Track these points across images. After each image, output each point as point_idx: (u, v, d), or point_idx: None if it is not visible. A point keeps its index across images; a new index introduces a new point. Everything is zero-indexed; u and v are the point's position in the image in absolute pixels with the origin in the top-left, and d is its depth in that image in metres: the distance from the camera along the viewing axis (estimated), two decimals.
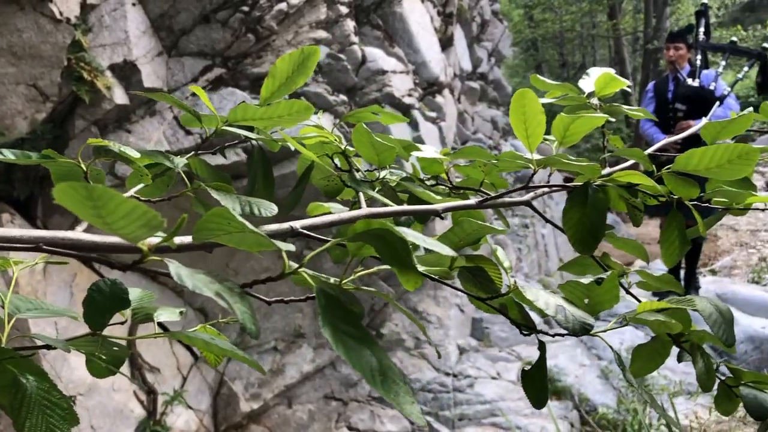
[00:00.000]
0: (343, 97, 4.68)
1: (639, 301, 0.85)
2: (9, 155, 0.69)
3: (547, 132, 0.93)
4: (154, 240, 0.47)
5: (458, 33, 7.69)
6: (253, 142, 0.92)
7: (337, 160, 1.02)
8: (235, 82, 4.32)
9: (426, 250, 0.62)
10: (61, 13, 3.56)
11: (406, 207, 0.76)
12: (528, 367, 0.67)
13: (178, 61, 4.23)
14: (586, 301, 0.70)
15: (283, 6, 4.38)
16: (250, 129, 0.85)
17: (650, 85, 5.65)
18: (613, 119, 1.07)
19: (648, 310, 0.70)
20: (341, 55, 4.75)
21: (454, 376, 5.01)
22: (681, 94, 5.17)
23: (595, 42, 23.60)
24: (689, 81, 5.15)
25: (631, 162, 0.96)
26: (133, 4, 3.98)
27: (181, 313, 1.00)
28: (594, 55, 24.04)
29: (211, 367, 0.96)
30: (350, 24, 4.97)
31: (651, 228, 8.68)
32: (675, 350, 0.97)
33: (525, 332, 0.67)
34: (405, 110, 5.26)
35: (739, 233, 9.17)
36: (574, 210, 0.79)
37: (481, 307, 0.69)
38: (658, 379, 4.75)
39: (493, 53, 9.86)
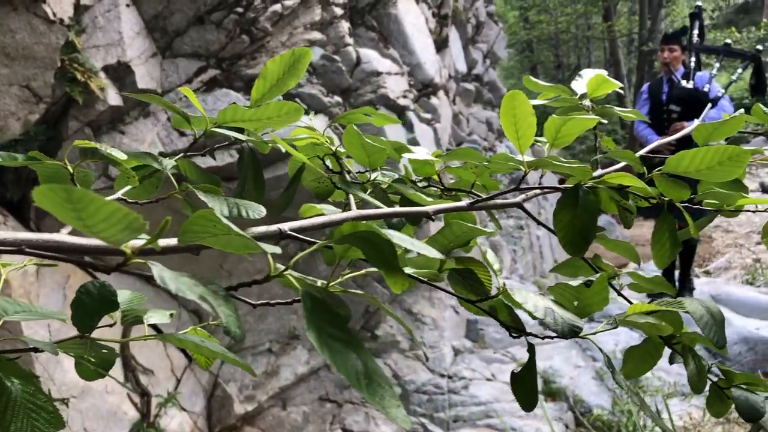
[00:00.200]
0: (337, 99, 4.68)
1: (630, 302, 0.85)
2: None
3: (541, 134, 0.93)
4: (138, 242, 0.46)
5: (453, 34, 7.70)
6: (244, 143, 0.91)
7: (329, 162, 1.01)
8: (229, 83, 4.32)
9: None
10: (54, 14, 3.54)
11: (396, 209, 0.75)
12: (518, 369, 0.67)
13: (172, 63, 4.22)
14: (575, 303, 0.70)
15: (277, 7, 4.37)
16: (241, 131, 0.84)
17: (644, 87, 5.66)
18: (604, 121, 1.06)
19: (638, 312, 0.70)
20: (336, 57, 4.75)
21: (449, 377, 5.00)
22: (675, 95, 5.19)
23: (591, 44, 23.67)
24: (683, 83, 5.16)
25: (622, 164, 0.96)
26: (127, 5, 3.97)
27: (171, 315, 1.00)
28: (589, 57, 24.11)
29: (203, 369, 0.96)
30: (345, 25, 4.97)
31: (645, 229, 8.70)
32: (668, 351, 0.97)
33: (514, 335, 0.67)
34: (400, 112, 5.26)
35: (733, 234, 9.20)
36: (565, 212, 0.79)
37: (470, 309, 0.69)
38: (652, 381, 4.76)
39: (488, 55, 9.87)
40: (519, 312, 0.74)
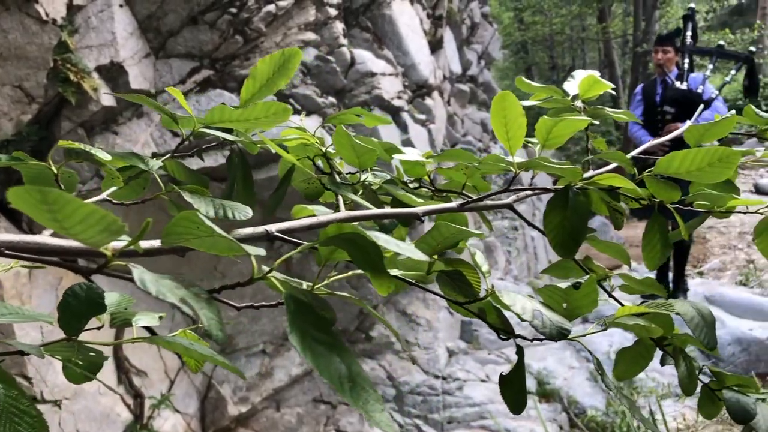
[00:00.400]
0: (332, 99, 4.67)
1: (621, 304, 0.84)
2: None
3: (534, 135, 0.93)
4: (119, 244, 0.46)
5: (448, 35, 7.70)
6: (227, 145, 0.91)
7: (320, 163, 1.01)
8: (223, 83, 4.30)
9: None
10: (47, 14, 3.53)
11: (384, 210, 0.75)
12: (506, 372, 0.66)
13: (165, 63, 4.21)
14: (564, 305, 0.69)
15: (271, 8, 4.37)
16: (230, 131, 0.84)
17: (638, 88, 5.68)
18: (596, 122, 1.06)
19: (627, 314, 0.70)
20: (330, 57, 4.74)
21: (443, 378, 5.00)
22: (669, 97, 5.20)
23: (585, 45, 23.72)
24: (677, 84, 5.18)
25: (613, 165, 0.96)
26: (120, 6, 3.95)
27: (160, 318, 0.99)
28: (584, 58, 24.16)
29: (192, 372, 0.95)
30: (339, 26, 4.96)
31: (640, 231, 8.68)
32: (661, 353, 0.96)
33: (503, 337, 0.66)
34: (394, 112, 5.25)
35: (727, 236, 9.22)
36: (555, 213, 0.78)
37: (459, 311, 0.69)
38: (646, 381, 4.77)
39: (482, 56, 9.88)
40: (509, 313, 0.74)
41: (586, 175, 0.86)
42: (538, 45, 22.60)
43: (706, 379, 0.97)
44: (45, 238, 0.49)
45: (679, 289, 5.94)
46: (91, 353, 0.90)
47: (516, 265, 7.77)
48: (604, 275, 0.93)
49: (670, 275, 6.01)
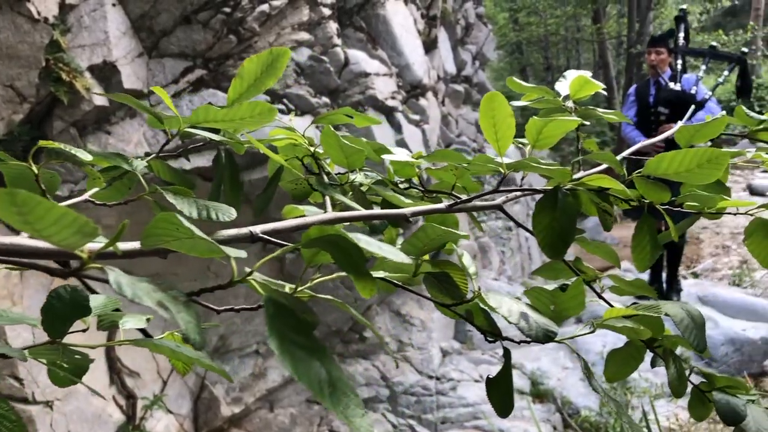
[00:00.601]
0: (325, 100, 4.66)
1: (611, 305, 0.84)
2: None
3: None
4: (96, 246, 0.45)
5: (442, 36, 7.70)
6: (219, 145, 0.90)
7: (309, 163, 1.00)
8: (216, 83, 4.29)
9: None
10: (38, 13, 3.51)
11: (372, 211, 0.74)
12: (492, 375, 0.65)
13: (158, 63, 4.19)
14: (552, 307, 0.69)
15: (265, 7, 4.35)
16: (217, 131, 0.83)
17: (632, 89, 5.69)
18: (587, 122, 1.06)
19: (615, 316, 0.69)
20: (324, 57, 4.73)
21: (437, 379, 5.00)
22: (663, 97, 5.22)
23: (580, 46, 23.79)
24: (671, 85, 5.19)
25: (604, 166, 0.95)
26: (113, 5, 3.94)
27: (148, 320, 0.98)
28: (578, 59, 24.23)
29: (180, 374, 0.94)
30: (333, 26, 4.95)
31: None
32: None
33: (489, 339, 0.66)
34: (388, 113, 5.25)
35: (720, 236, 9.25)
36: (544, 214, 0.78)
37: (446, 314, 0.68)
38: (639, 382, 4.78)
39: (477, 56, 9.89)
40: (500, 315, 0.74)
41: (575, 176, 0.86)
42: (533, 46, 22.64)
43: (698, 381, 0.97)
44: (22, 239, 0.48)
45: (673, 289, 5.96)
46: (77, 356, 0.89)
47: (510, 266, 7.77)
48: (594, 276, 0.93)
49: (664, 275, 6.03)
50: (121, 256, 0.48)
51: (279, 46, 4.31)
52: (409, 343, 5.21)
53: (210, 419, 4.52)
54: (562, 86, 1.12)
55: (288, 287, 0.58)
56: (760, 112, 1.13)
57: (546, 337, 0.60)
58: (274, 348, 0.42)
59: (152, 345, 0.84)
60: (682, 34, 5.32)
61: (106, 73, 3.89)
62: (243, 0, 4.23)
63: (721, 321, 5.51)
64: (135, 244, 0.51)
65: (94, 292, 0.82)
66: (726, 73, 5.35)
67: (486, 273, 6.84)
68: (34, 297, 3.58)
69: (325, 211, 0.79)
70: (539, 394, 4.85)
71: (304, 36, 4.69)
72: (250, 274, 0.52)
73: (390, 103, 5.20)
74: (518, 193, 0.89)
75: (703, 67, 5.38)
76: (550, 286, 0.72)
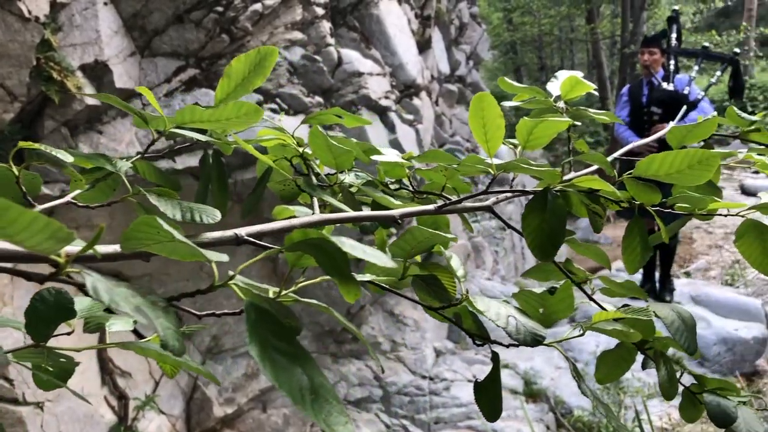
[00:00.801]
0: (318, 99, 4.65)
1: (602, 307, 0.83)
2: None
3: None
4: (74, 249, 0.44)
5: (436, 35, 7.69)
6: (210, 145, 0.89)
7: (298, 164, 0.99)
8: (209, 83, 4.27)
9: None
10: (29, 12, 3.48)
11: (360, 213, 0.73)
12: (481, 378, 0.65)
13: (151, 62, 4.17)
14: (541, 310, 0.68)
15: (257, 7, 4.34)
16: (204, 132, 0.82)
17: (625, 89, 5.70)
18: (578, 123, 1.05)
19: (605, 319, 0.69)
20: (317, 57, 4.72)
21: (431, 379, 4.99)
22: (656, 97, 5.23)
23: (574, 46, 23.83)
24: (664, 85, 5.20)
25: (595, 167, 0.95)
26: (105, 4, 3.91)
27: (135, 322, 0.97)
28: (572, 59, 24.28)
29: (168, 377, 0.93)
30: (326, 25, 4.94)
31: None
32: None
33: (478, 343, 0.65)
34: (382, 112, 5.24)
35: (713, 235, 9.28)
36: (533, 216, 0.77)
37: (435, 317, 0.67)
38: (632, 381, 4.78)
39: (471, 56, 9.89)
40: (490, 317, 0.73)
41: (566, 177, 0.85)
42: (527, 46, 22.66)
43: (689, 382, 0.97)
44: (2, 243, 0.47)
45: (666, 289, 5.97)
46: (62, 359, 0.88)
47: (503, 265, 7.78)
48: (584, 278, 0.92)
49: (657, 275, 6.04)
50: (101, 260, 0.47)
51: (272, 45, 4.29)
52: (403, 343, 5.20)
53: (202, 420, 4.51)
54: (554, 86, 1.12)
55: (272, 291, 0.57)
56: (752, 113, 1.13)
57: (534, 341, 0.59)
58: (254, 355, 0.41)
59: (138, 348, 0.83)
60: (674, 35, 5.33)
61: (98, 72, 3.87)
62: None
63: (714, 321, 5.52)
64: (116, 247, 0.50)
65: (87, 294, 0.81)
66: (718, 73, 5.36)
67: (479, 273, 6.85)
68: (24, 297, 3.56)
69: (313, 213, 0.78)
70: (532, 393, 4.86)
71: (297, 35, 4.67)
72: (231, 278, 0.51)
73: (383, 102, 5.19)
74: (509, 194, 0.88)
75: (696, 68, 5.40)
76: (540, 288, 0.71)
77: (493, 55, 19.67)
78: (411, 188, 1.00)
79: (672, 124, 1.02)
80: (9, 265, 0.54)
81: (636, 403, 4.26)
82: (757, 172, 12.02)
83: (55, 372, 0.87)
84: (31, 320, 0.77)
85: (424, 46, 6.86)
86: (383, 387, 4.89)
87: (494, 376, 0.66)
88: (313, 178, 0.89)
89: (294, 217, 0.84)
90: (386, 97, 5.29)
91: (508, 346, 0.66)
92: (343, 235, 0.51)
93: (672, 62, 5.26)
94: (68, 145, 3.78)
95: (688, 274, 7.81)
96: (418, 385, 4.90)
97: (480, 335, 0.66)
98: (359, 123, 1.07)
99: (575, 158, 0.96)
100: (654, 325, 0.85)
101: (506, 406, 4.61)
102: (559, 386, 4.90)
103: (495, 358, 0.65)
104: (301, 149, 0.92)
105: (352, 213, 0.74)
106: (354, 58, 5.02)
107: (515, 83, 1.13)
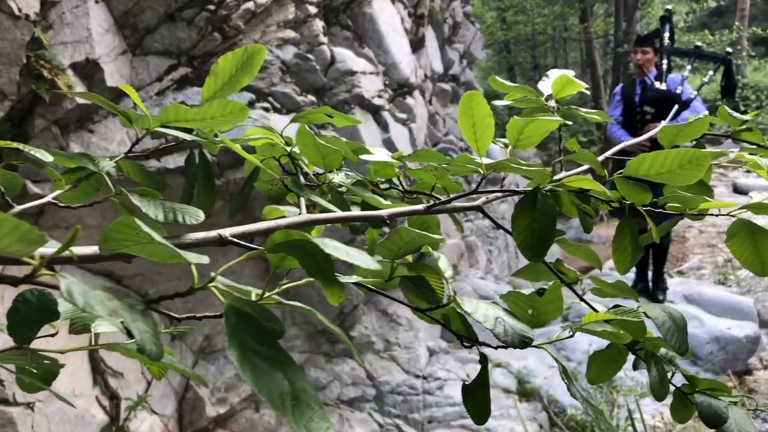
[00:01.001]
0: (311, 98, 4.63)
1: (593, 308, 0.83)
2: None
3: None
4: (49, 251, 0.43)
5: (429, 34, 7.69)
6: (198, 144, 0.88)
7: (287, 163, 0.98)
8: (201, 81, 4.25)
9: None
10: (19, 10, 3.46)
11: (348, 213, 0.73)
12: (469, 381, 0.64)
13: (142, 60, 4.15)
14: (530, 311, 0.67)
15: (250, 5, 4.32)
16: (190, 131, 0.81)
17: (618, 88, 5.71)
18: (569, 122, 1.04)
19: (595, 320, 0.68)
20: (310, 56, 4.70)
21: (424, 378, 4.99)
22: (648, 97, 5.24)
23: (567, 45, 23.88)
24: (657, 84, 5.21)
25: (586, 166, 0.94)
26: (96, 2, 3.89)
27: (122, 323, 0.95)
28: (566, 58, 24.32)
29: (156, 378, 0.91)
30: (319, 24, 4.93)
31: None
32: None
33: (466, 344, 0.64)
34: (375, 111, 5.23)
35: (706, 234, 9.31)
36: (523, 216, 0.76)
37: (423, 318, 0.67)
38: (625, 380, 4.79)
39: (465, 55, 9.88)
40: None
41: (556, 176, 0.84)
42: (521, 45, 22.68)
43: (681, 382, 0.96)
44: None
45: (658, 288, 5.99)
46: (46, 361, 0.87)
47: (497, 264, 7.78)
48: (575, 278, 0.91)
49: (650, 274, 6.06)
50: (87, 260, 0.46)
51: (264, 44, 4.27)
52: (396, 343, 5.19)
53: (195, 420, 4.49)
54: (545, 85, 1.11)
55: (255, 293, 0.56)
56: (744, 112, 1.13)
57: (522, 343, 0.59)
58: (234, 359, 0.40)
59: (124, 350, 0.82)
60: (667, 34, 5.34)
61: (89, 70, 3.84)
62: None
63: (706, 319, 5.54)
64: (94, 249, 0.49)
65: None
66: (711, 73, 5.37)
67: (473, 272, 6.84)
68: None
69: (300, 213, 0.77)
70: (525, 392, 4.85)
71: (289, 34, 4.66)
72: (212, 280, 0.50)
73: (377, 101, 5.18)
74: (499, 194, 0.88)
75: (689, 67, 5.41)
76: (531, 288, 0.71)
77: (486, 54, 19.69)
78: (401, 188, 0.99)
79: (663, 123, 1.01)
80: None
81: (629, 402, 4.26)
82: (749, 171, 12.08)
83: (39, 374, 0.85)
84: (13, 322, 0.75)
85: (417, 45, 6.85)
86: (376, 386, 4.88)
87: (482, 379, 0.65)
88: (301, 177, 0.88)
89: (283, 217, 0.83)
90: (379, 96, 5.28)
91: (496, 348, 0.65)
92: (335, 236, 0.50)
93: (665, 61, 5.27)
94: (59, 144, 3.75)
95: (681, 273, 7.83)
96: (412, 385, 4.89)
97: (468, 337, 0.65)
98: (349, 122, 1.06)
99: (566, 158, 0.95)
100: (644, 325, 0.85)
101: (499, 405, 4.61)
102: (552, 385, 4.90)
103: (483, 359, 0.65)
104: (289, 148, 0.91)
105: (339, 213, 0.73)
106: (347, 57, 5.01)
107: (506, 82, 1.12)
